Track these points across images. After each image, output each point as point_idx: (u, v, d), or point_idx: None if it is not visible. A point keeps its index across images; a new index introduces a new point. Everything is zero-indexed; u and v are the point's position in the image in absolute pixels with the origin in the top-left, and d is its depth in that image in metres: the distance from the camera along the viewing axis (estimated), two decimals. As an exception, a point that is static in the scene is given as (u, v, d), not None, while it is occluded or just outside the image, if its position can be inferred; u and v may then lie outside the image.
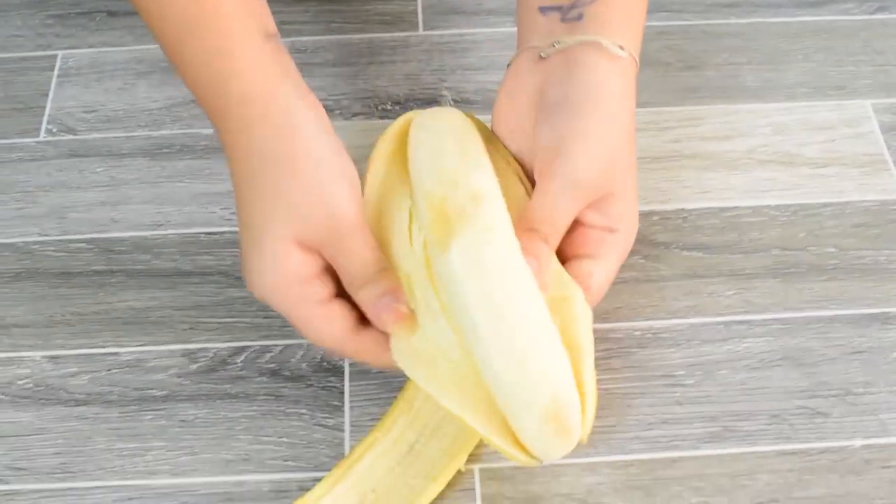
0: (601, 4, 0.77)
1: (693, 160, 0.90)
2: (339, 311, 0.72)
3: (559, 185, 0.73)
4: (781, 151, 0.90)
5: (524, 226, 0.72)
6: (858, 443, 0.75)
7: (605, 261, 0.74)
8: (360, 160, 0.90)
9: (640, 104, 0.91)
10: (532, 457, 0.68)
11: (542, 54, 0.77)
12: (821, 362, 0.79)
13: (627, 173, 0.76)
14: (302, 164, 0.72)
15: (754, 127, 0.92)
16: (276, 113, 0.72)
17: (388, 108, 0.94)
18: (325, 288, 0.72)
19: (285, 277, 0.72)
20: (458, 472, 0.74)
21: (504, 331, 0.67)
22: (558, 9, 0.78)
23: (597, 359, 0.77)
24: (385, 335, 0.71)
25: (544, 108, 0.76)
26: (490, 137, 0.79)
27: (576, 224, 0.75)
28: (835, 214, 0.86)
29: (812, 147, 0.91)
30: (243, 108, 0.72)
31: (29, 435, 0.77)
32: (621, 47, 0.76)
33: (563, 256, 0.74)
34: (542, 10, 0.79)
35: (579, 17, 0.77)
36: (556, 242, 0.73)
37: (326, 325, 0.72)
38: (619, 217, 0.75)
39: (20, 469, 0.75)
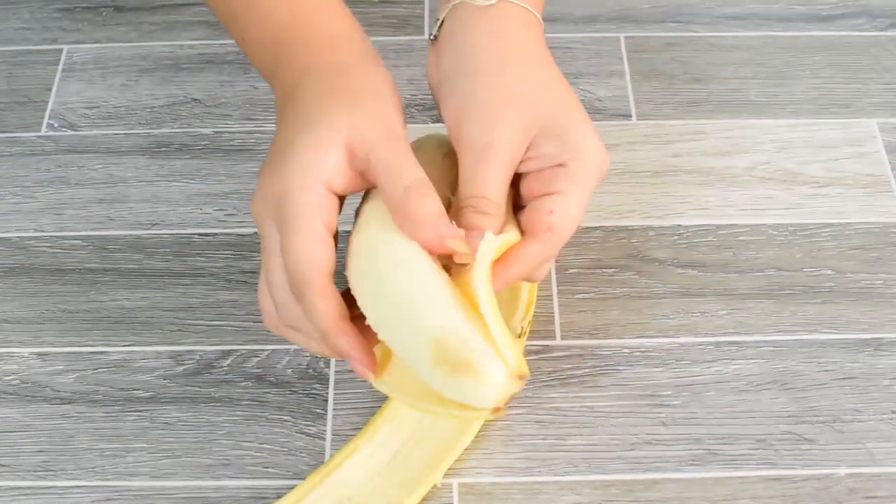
0: None
1: (692, 175, 0.89)
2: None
3: (468, 159, 0.72)
4: (783, 169, 0.89)
5: (458, 206, 0.71)
6: (843, 471, 0.74)
7: (564, 195, 0.71)
8: (359, 164, 0.90)
9: (641, 116, 0.92)
10: (470, 408, 0.66)
11: (431, 37, 0.77)
12: (810, 387, 0.78)
13: (550, 106, 0.72)
14: (380, 82, 0.71)
15: (757, 143, 0.91)
16: (359, 43, 0.74)
17: (390, 112, 0.93)
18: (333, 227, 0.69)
19: (316, 172, 0.67)
20: (435, 486, 0.73)
21: (381, 296, 0.67)
22: None
23: (583, 375, 0.78)
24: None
25: (437, 91, 0.76)
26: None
27: (526, 175, 0.73)
28: (834, 236, 0.85)
29: (814, 166, 0.89)
30: (329, 37, 0.74)
31: (13, 431, 0.77)
32: None
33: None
34: None
35: None
36: (493, 208, 0.71)
37: (322, 250, 0.67)
38: (560, 152, 0.71)
39: (2, 465, 0.75)
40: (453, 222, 0.67)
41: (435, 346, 0.65)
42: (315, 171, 0.67)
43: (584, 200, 0.72)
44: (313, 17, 0.75)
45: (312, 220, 0.66)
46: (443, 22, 0.76)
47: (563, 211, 0.71)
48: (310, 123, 0.69)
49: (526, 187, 0.73)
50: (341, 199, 0.70)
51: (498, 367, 0.65)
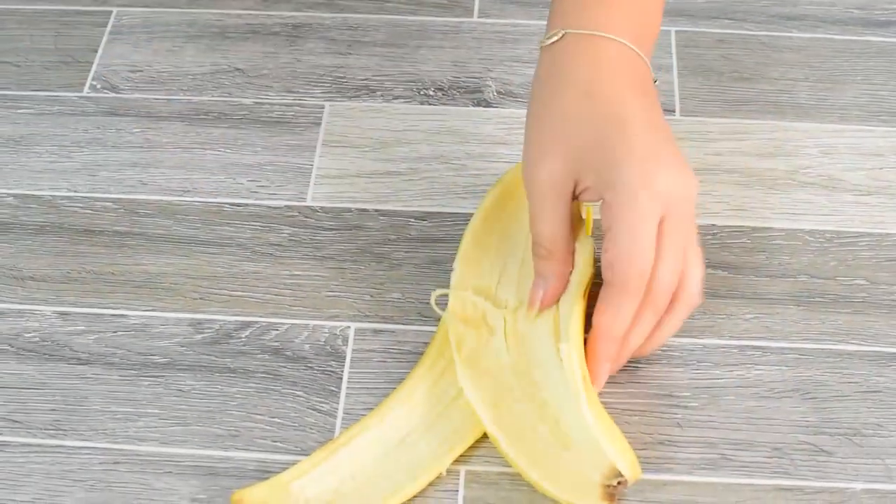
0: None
1: (732, 175, 0.87)
2: None
3: (527, 201, 0.74)
4: (825, 175, 0.87)
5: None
6: (859, 486, 0.72)
7: (610, 231, 0.70)
8: (397, 144, 0.90)
9: (686, 111, 0.91)
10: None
11: None
12: (832, 398, 0.76)
13: (592, 138, 0.71)
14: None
15: (801, 147, 0.89)
16: None
17: (431, 93, 0.93)
18: None
19: None
20: (440, 475, 0.73)
21: None
22: None
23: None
24: None
25: None
26: None
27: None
28: (871, 246, 0.83)
29: (858, 173, 0.87)
30: None
31: (28, 388, 0.77)
32: (553, 34, 0.74)
33: None
34: None
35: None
36: (545, 251, 0.73)
37: None
38: (597, 184, 0.71)
39: (15, 422, 0.76)
40: None
41: None
42: None
43: (634, 234, 0.70)
44: None
45: None
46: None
47: (613, 248, 0.70)
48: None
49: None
50: None
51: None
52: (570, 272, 0.74)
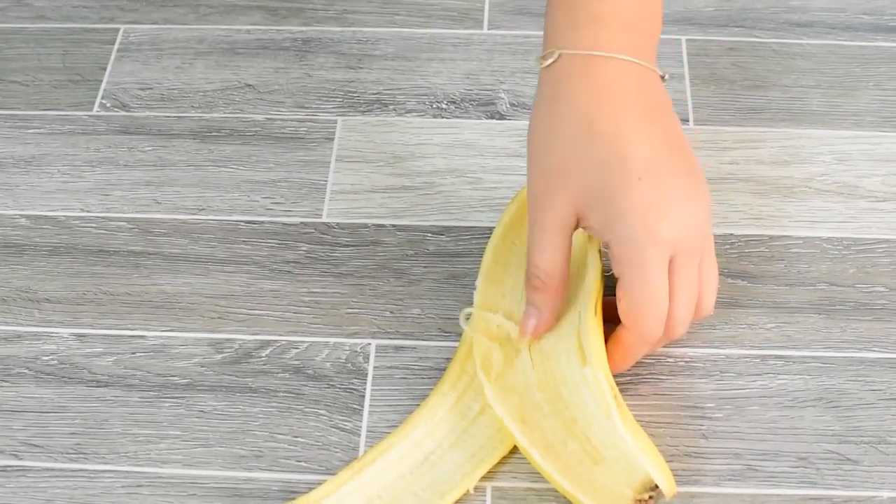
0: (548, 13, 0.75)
1: (748, 184, 0.87)
2: None
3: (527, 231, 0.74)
4: (841, 182, 0.87)
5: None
6: (886, 494, 0.72)
7: (621, 278, 0.71)
8: (411, 158, 0.89)
9: (699, 121, 0.91)
10: None
11: None
12: (856, 406, 0.76)
13: (598, 176, 0.70)
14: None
15: (816, 154, 0.89)
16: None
17: (444, 106, 0.92)
18: None
19: None
20: (467, 492, 0.72)
21: None
22: None
23: (624, 383, 0.76)
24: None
25: None
26: None
27: None
28: (889, 252, 0.83)
29: (873, 180, 0.87)
30: None
31: (48, 412, 0.77)
32: (548, 54, 0.73)
33: None
34: None
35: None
36: (541, 283, 0.73)
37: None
38: (603, 227, 0.70)
39: (35, 446, 0.75)
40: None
41: None
42: None
43: (645, 284, 0.71)
44: None
45: None
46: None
47: (626, 298, 0.72)
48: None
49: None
50: None
51: None
52: (564, 301, 0.75)
